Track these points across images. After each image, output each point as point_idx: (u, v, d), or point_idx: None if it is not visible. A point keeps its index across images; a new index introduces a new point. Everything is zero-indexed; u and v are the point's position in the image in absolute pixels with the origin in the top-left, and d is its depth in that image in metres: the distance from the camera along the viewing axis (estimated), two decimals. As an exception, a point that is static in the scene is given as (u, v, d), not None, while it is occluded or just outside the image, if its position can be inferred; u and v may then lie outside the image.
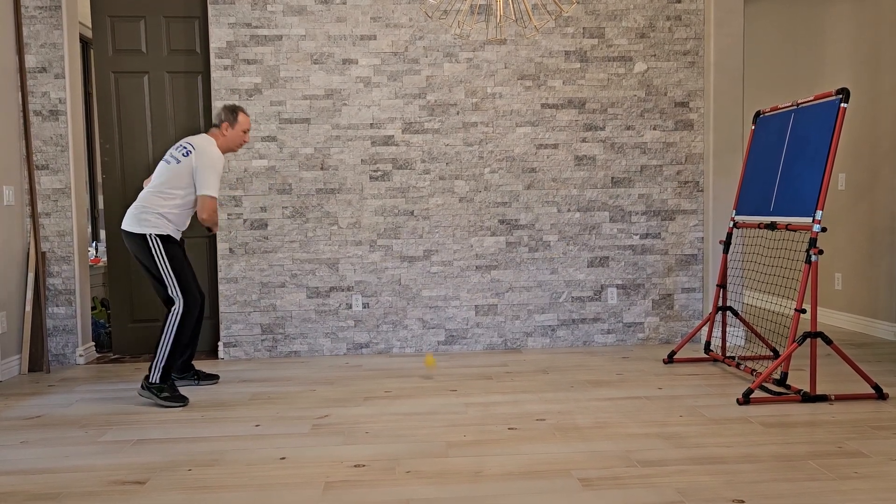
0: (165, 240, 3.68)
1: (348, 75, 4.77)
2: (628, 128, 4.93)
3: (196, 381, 4.05)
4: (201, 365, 4.55)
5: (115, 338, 4.96)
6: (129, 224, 3.69)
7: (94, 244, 6.04)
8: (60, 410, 3.63)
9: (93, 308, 5.36)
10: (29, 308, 4.52)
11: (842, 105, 3.56)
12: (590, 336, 4.99)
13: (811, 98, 3.83)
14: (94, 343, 4.97)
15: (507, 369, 4.34)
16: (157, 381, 3.66)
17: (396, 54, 4.79)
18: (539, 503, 2.41)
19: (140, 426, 3.33)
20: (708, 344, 4.47)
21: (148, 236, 3.65)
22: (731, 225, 4.38)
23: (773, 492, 2.46)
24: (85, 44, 5.93)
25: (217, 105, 4.70)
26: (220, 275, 4.77)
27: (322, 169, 4.78)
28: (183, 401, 3.67)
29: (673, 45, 4.93)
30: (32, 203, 4.57)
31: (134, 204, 3.72)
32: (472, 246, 4.90)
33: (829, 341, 3.56)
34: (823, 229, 3.54)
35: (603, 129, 4.92)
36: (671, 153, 4.97)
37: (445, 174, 4.86)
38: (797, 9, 6.09)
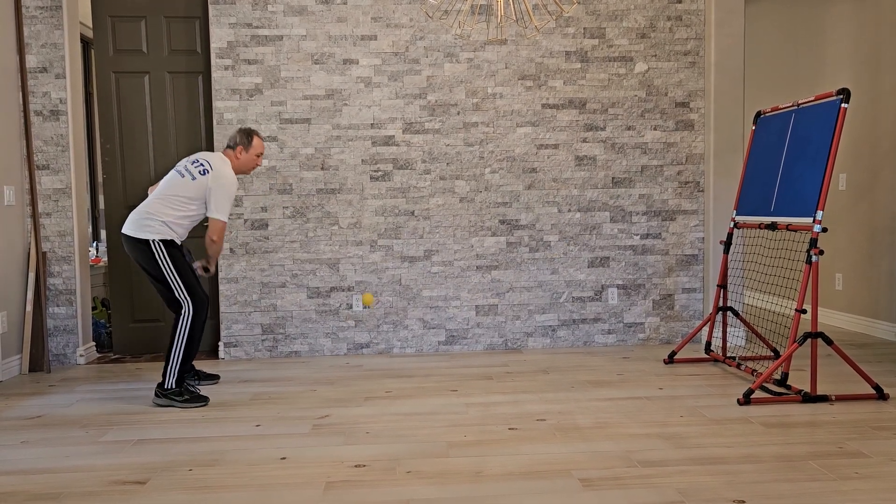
0: (169, 244, 3.68)
1: (349, 75, 4.77)
2: (629, 128, 4.94)
3: (197, 382, 4.05)
4: (202, 365, 4.55)
5: (116, 338, 4.96)
6: (131, 229, 3.66)
7: (94, 244, 6.04)
8: (61, 410, 3.63)
9: (93, 308, 5.36)
10: (29, 308, 4.52)
11: (842, 105, 3.56)
12: (590, 336, 4.99)
13: (812, 98, 3.83)
14: (94, 343, 4.98)
15: (508, 369, 4.35)
16: (174, 386, 3.66)
17: (397, 54, 4.79)
18: (539, 503, 2.41)
19: (141, 426, 3.33)
20: (708, 344, 4.46)
21: (151, 242, 3.63)
22: (731, 225, 4.38)
23: (774, 492, 2.46)
24: (86, 44, 5.93)
25: (218, 105, 4.70)
26: (220, 275, 4.77)
27: (323, 169, 4.79)
28: (204, 400, 3.67)
29: (673, 45, 4.93)
30: (33, 203, 4.57)
31: (137, 209, 3.70)
32: (472, 246, 4.90)
33: (829, 342, 3.56)
34: (824, 230, 3.54)
35: (603, 129, 4.92)
36: (672, 153, 4.97)
37: (446, 174, 4.86)
38: (798, 9, 6.09)
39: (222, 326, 4.79)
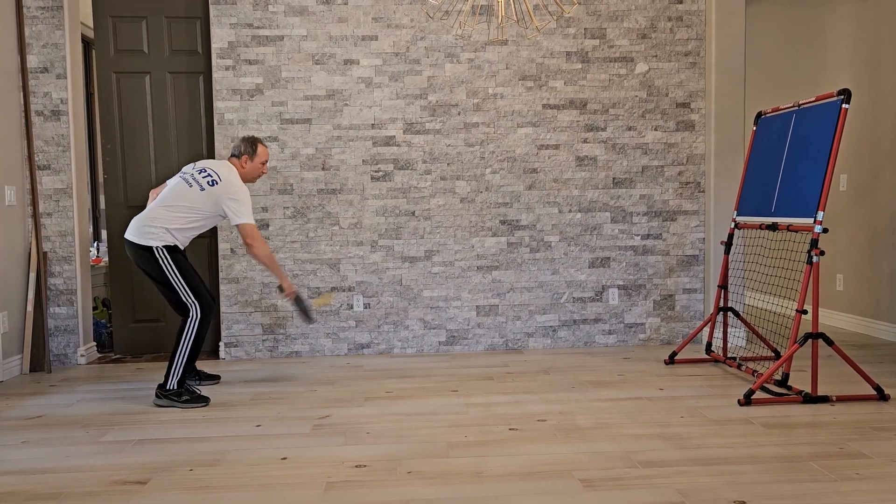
0: (172, 250, 3.68)
1: (350, 76, 4.77)
2: (629, 128, 4.93)
3: (197, 382, 4.05)
4: (203, 365, 4.55)
5: (117, 338, 4.97)
6: (134, 236, 3.65)
7: (95, 244, 6.04)
8: (61, 410, 3.63)
9: (94, 308, 5.36)
10: (30, 308, 4.52)
11: (843, 106, 3.56)
12: (591, 337, 4.99)
13: (812, 99, 3.83)
14: (95, 343, 4.98)
15: (509, 370, 4.34)
16: (175, 388, 3.66)
17: (398, 55, 4.79)
18: (540, 503, 2.41)
19: (141, 426, 3.33)
20: (709, 345, 4.46)
21: (155, 249, 3.63)
22: (732, 226, 4.38)
23: (775, 493, 2.46)
24: (87, 44, 5.93)
25: (219, 105, 4.70)
26: (221, 275, 4.77)
27: (323, 169, 4.79)
28: (204, 400, 3.67)
29: (674, 45, 4.93)
30: (34, 203, 4.57)
31: (140, 215, 3.69)
32: (473, 246, 4.90)
33: (830, 342, 3.56)
34: (825, 230, 3.54)
35: (604, 129, 4.92)
36: (672, 154, 4.96)
37: (447, 175, 4.86)
38: (798, 9, 6.09)
39: (223, 326, 4.79)
